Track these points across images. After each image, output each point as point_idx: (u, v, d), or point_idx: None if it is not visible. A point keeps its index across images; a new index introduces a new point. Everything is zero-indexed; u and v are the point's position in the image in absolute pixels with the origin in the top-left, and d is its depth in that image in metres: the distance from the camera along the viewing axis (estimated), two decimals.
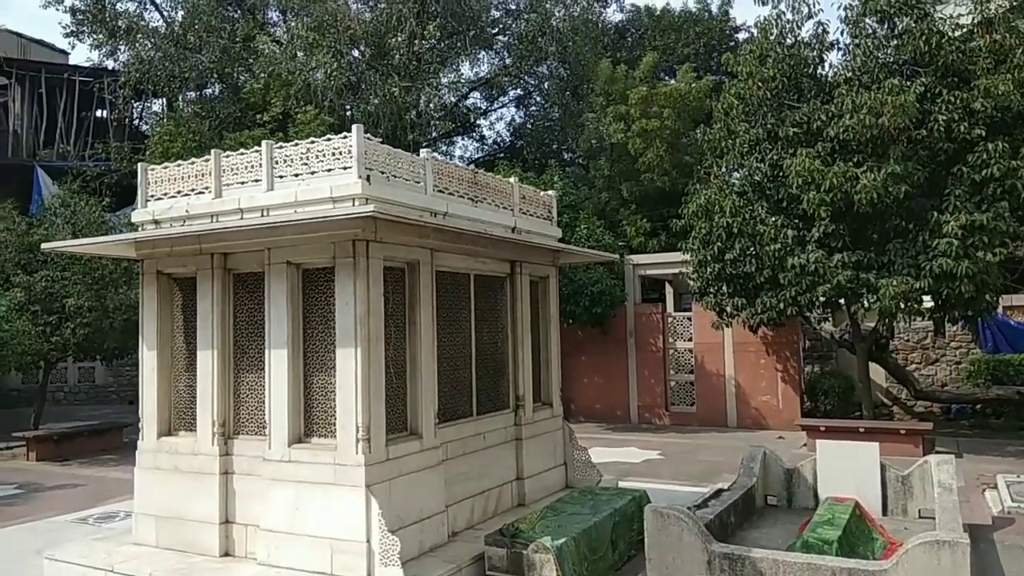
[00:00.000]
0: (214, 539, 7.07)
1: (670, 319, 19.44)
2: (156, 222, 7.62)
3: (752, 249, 14.74)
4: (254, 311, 7.18)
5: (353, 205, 6.44)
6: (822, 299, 14.88)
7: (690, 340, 19.05)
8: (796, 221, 14.32)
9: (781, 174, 14.39)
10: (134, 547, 7.34)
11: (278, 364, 6.82)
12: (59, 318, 16.51)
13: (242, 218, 7.00)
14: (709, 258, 15.46)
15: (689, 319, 19.08)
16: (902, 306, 13.41)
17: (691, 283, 17.21)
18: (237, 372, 7.30)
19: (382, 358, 6.68)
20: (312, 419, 6.84)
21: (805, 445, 15.23)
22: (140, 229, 7.77)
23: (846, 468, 8.87)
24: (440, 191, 7.63)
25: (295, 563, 6.54)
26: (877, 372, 18.33)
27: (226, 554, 7.08)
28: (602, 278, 18.22)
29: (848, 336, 17.50)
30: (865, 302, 13.71)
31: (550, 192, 10.31)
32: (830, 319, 18.44)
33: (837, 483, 8.87)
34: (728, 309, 16.01)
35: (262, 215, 6.90)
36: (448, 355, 7.91)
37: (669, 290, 20.47)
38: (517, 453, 8.81)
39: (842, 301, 14.81)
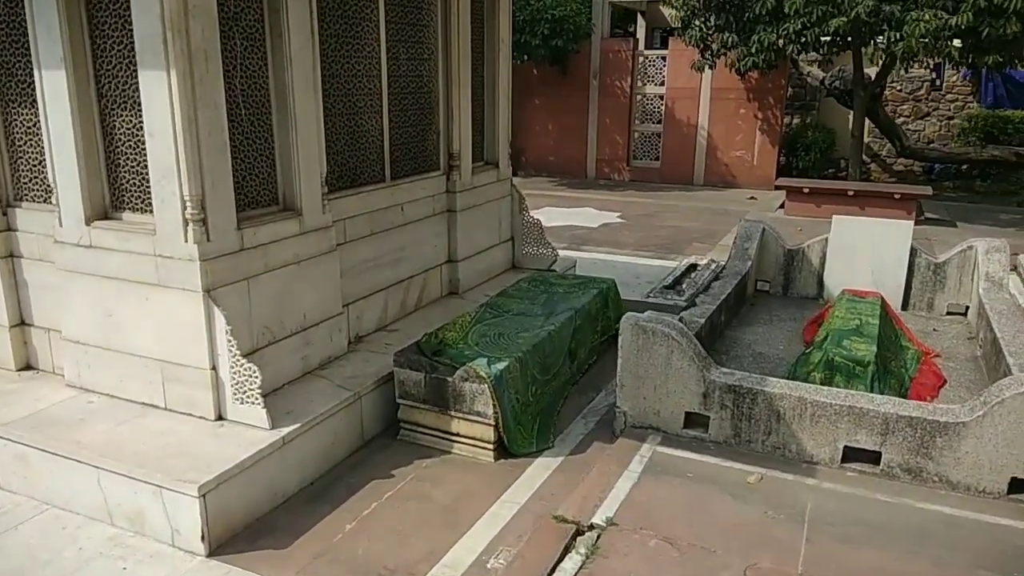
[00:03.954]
0: (6, 347, 4.94)
1: (641, 58, 16.57)
2: None
3: None
4: (13, 4, 4.41)
5: None
6: (828, 37, 12.32)
7: (662, 84, 16.39)
8: None
9: None
10: None
11: (54, 94, 4.23)
12: None
13: None
14: None
15: (663, 59, 16.26)
16: (929, 46, 11.02)
17: (672, 12, 14.24)
18: (4, 105, 4.70)
19: (221, 88, 4.13)
20: (121, 184, 4.41)
21: (782, 207, 13.52)
22: None
23: (865, 252, 7.01)
24: None
25: (115, 389, 4.51)
26: None
27: (27, 367, 5.01)
28: (564, 1, 15.00)
29: (839, 83, 15.16)
30: (885, 40, 11.25)
31: None
32: (829, 62, 15.89)
33: (852, 270, 7.07)
34: (714, 47, 13.39)
35: None
36: (344, 92, 5.36)
37: (641, 22, 17.33)
38: (449, 228, 6.62)
39: (850, 39, 12.32)
